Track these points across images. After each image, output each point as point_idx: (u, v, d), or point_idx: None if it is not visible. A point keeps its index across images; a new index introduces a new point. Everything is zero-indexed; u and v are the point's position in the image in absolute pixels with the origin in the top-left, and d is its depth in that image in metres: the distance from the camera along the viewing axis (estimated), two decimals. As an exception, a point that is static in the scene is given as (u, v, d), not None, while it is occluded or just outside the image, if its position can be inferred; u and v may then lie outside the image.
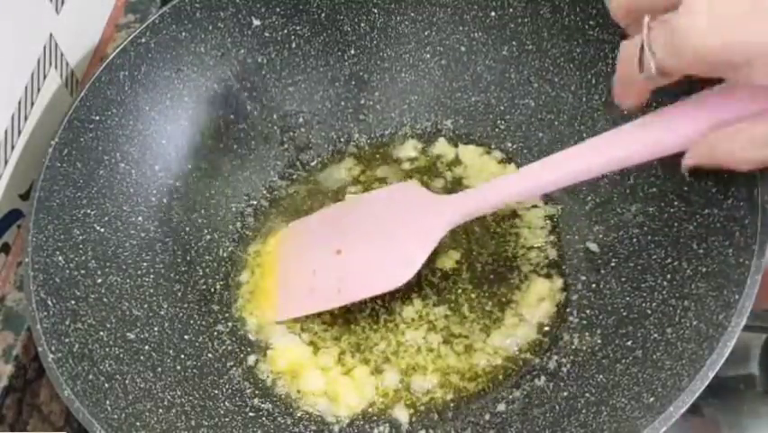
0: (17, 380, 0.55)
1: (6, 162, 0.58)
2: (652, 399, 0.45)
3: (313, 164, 0.71)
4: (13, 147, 0.58)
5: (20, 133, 0.59)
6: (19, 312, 0.57)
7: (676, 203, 0.55)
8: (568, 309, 0.59)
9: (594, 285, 0.58)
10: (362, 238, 0.61)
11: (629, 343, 0.52)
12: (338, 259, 0.61)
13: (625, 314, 0.54)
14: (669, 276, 0.53)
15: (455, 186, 0.66)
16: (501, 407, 0.55)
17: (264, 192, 0.69)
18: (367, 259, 0.60)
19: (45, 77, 0.62)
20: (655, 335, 0.50)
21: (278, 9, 0.67)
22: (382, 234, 0.60)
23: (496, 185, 0.57)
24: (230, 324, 0.62)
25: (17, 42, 0.59)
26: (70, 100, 0.60)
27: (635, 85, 0.45)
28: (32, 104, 0.60)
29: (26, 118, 0.60)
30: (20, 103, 0.59)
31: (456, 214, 0.57)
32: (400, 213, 0.60)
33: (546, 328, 0.58)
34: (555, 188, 0.56)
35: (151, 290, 0.60)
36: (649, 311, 0.53)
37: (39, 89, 0.61)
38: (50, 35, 0.62)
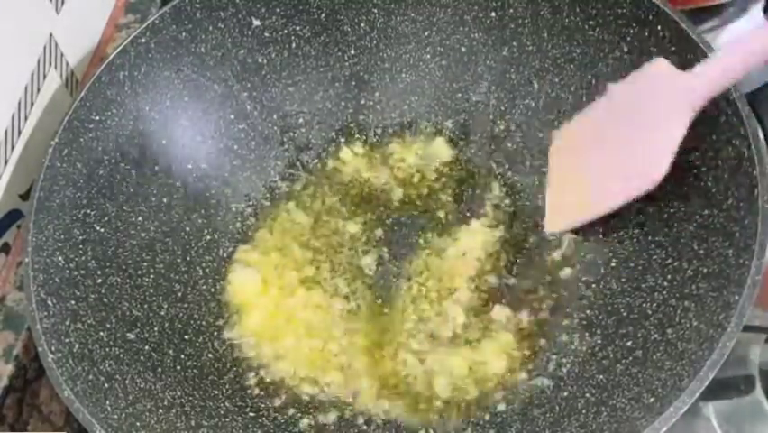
0: (17, 380, 0.55)
1: (6, 162, 0.58)
2: (652, 399, 0.46)
3: (313, 164, 0.70)
4: (13, 147, 0.58)
5: (20, 133, 0.59)
6: (19, 312, 0.57)
7: (676, 203, 0.55)
8: (568, 309, 0.59)
9: (594, 285, 0.58)
10: (614, 143, 0.59)
11: (629, 343, 0.52)
12: (596, 169, 0.60)
13: (625, 314, 0.54)
14: (669, 276, 0.53)
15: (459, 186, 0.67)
16: (501, 407, 0.55)
17: (264, 192, 0.69)
18: (621, 164, 0.58)
19: (45, 77, 0.62)
20: (655, 335, 0.51)
21: (278, 9, 0.67)
22: (630, 135, 0.57)
23: (737, 47, 0.51)
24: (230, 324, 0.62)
25: (17, 42, 0.59)
26: (70, 100, 0.60)
27: None
28: (32, 104, 0.60)
29: (26, 118, 0.60)
30: (20, 103, 0.59)
31: (697, 101, 0.52)
32: (647, 103, 0.56)
33: (546, 328, 0.58)
34: None
35: (151, 291, 0.60)
36: (649, 312, 0.53)
37: (39, 89, 0.61)
38: (50, 35, 0.62)
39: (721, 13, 0.68)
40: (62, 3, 0.63)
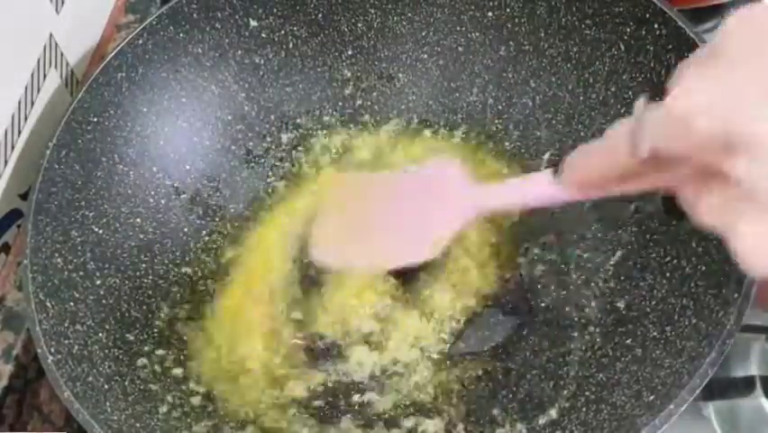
0: (17, 380, 0.55)
1: (6, 162, 0.58)
2: (652, 397, 0.46)
3: (310, 165, 0.70)
4: (13, 147, 0.58)
5: (20, 133, 0.59)
6: (19, 312, 0.57)
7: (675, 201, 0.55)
8: (567, 308, 0.59)
9: (593, 283, 0.58)
10: (398, 211, 0.60)
11: (629, 341, 0.52)
12: (373, 224, 0.61)
13: (624, 312, 0.55)
14: (668, 274, 0.53)
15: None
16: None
17: (262, 193, 0.69)
18: (398, 231, 0.59)
19: (45, 77, 0.62)
20: (654, 333, 0.51)
21: (275, 10, 0.67)
22: (416, 211, 0.59)
23: (521, 184, 0.54)
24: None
25: (17, 42, 0.59)
26: (70, 100, 0.60)
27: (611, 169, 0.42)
28: (32, 104, 0.60)
29: (26, 118, 0.60)
30: (20, 103, 0.59)
31: (480, 207, 0.55)
32: (435, 193, 0.59)
33: (546, 328, 0.58)
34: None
35: (150, 292, 0.60)
36: (648, 310, 0.53)
37: (39, 89, 0.61)
38: (50, 35, 0.62)
39: (721, 14, 0.68)
40: (62, 3, 0.63)
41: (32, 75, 0.60)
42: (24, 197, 0.60)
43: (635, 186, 0.42)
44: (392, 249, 0.59)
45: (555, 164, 0.48)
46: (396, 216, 0.60)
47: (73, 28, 0.65)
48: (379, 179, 0.64)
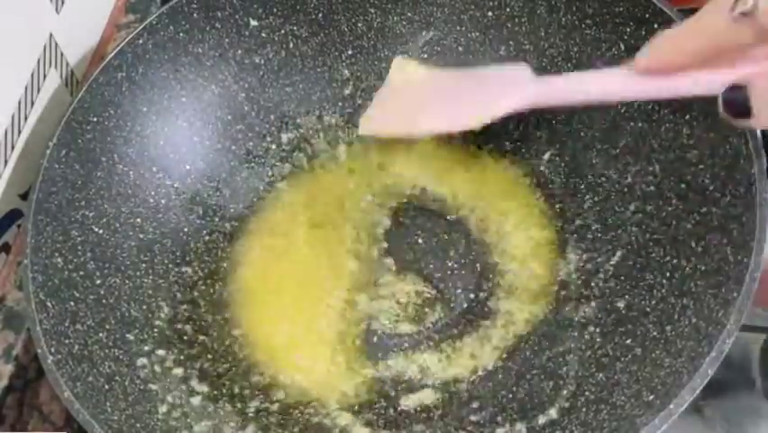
0: (17, 380, 0.55)
1: (6, 162, 0.58)
2: (651, 396, 0.46)
3: (310, 165, 0.70)
4: (13, 147, 0.58)
5: (20, 133, 0.59)
6: (19, 312, 0.57)
7: (674, 201, 0.55)
8: (567, 308, 0.59)
9: (593, 284, 0.58)
10: (457, 87, 0.60)
11: (628, 341, 0.52)
12: (431, 96, 0.60)
13: (624, 312, 0.54)
14: (668, 274, 0.53)
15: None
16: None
17: (262, 193, 0.69)
18: (456, 99, 0.58)
19: (45, 77, 0.62)
20: (654, 333, 0.51)
21: (275, 10, 0.67)
22: (476, 85, 0.58)
23: (588, 75, 0.52)
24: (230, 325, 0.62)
25: (17, 42, 0.59)
26: (70, 100, 0.60)
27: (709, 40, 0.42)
28: (32, 104, 0.60)
29: (26, 118, 0.60)
30: (20, 103, 0.59)
31: (541, 94, 0.53)
32: (497, 78, 0.58)
33: (545, 327, 0.58)
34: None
35: (150, 292, 0.60)
36: (648, 309, 0.53)
37: (39, 89, 0.61)
38: (50, 35, 0.62)
39: None
40: (62, 3, 0.63)
41: (32, 75, 0.60)
42: (24, 197, 0.60)
43: (720, 69, 0.43)
44: (449, 112, 0.58)
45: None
46: (455, 90, 0.59)
47: (73, 28, 0.65)
48: (442, 72, 0.63)
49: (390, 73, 0.63)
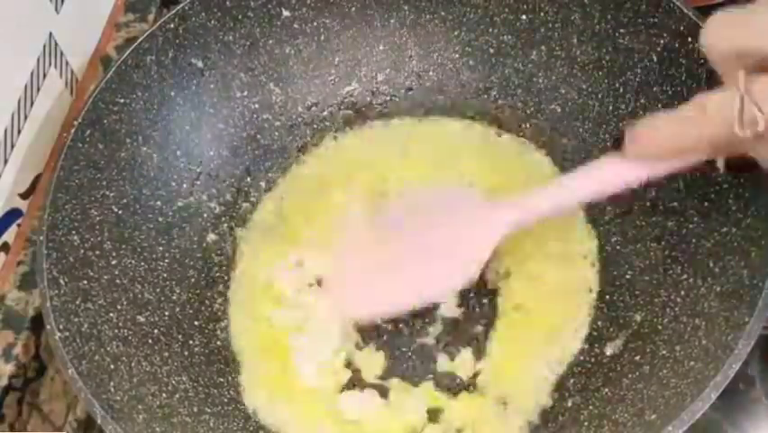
0: (17, 379, 0.56)
1: (6, 162, 0.59)
2: (653, 416, 0.45)
3: (337, 160, 0.70)
4: (13, 146, 0.59)
5: (20, 132, 0.60)
6: (19, 312, 0.57)
7: (696, 219, 0.54)
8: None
9: (607, 297, 0.58)
10: (418, 246, 0.59)
11: (637, 358, 0.52)
12: (393, 264, 0.60)
13: (636, 328, 0.54)
14: (683, 292, 0.52)
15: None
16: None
17: (285, 185, 0.69)
18: (422, 267, 0.58)
19: (45, 76, 0.62)
20: (664, 351, 0.50)
21: (308, 1, 0.67)
22: (438, 242, 0.59)
23: (546, 193, 0.55)
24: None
25: (17, 42, 0.59)
26: (70, 99, 0.61)
27: (718, 142, 0.42)
28: (32, 103, 0.61)
29: (26, 118, 0.60)
30: (20, 102, 0.60)
31: (509, 224, 0.55)
32: (455, 220, 0.59)
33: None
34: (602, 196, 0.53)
35: (165, 275, 0.61)
36: (660, 327, 0.52)
37: (39, 89, 0.62)
38: (50, 35, 0.63)
39: None
40: (62, 2, 0.64)
41: (32, 75, 0.61)
42: (24, 196, 0.61)
43: (709, 155, 0.44)
44: (424, 283, 0.58)
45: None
46: (420, 250, 0.59)
47: (73, 28, 0.66)
48: (390, 215, 0.63)
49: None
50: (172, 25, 0.63)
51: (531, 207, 0.54)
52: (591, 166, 0.51)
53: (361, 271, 0.61)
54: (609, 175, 0.49)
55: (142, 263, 0.60)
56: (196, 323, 0.60)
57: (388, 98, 0.70)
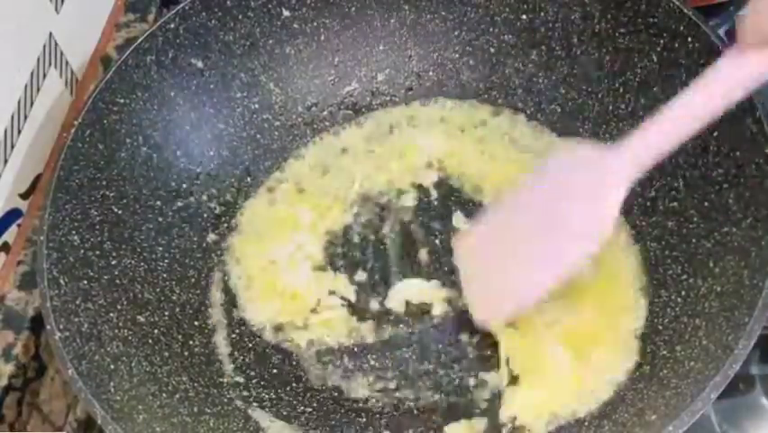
0: (17, 379, 0.55)
1: (6, 162, 0.59)
2: (654, 417, 0.45)
3: (337, 160, 0.70)
4: (13, 146, 0.59)
5: (20, 132, 0.60)
6: (19, 312, 0.57)
7: (696, 219, 0.54)
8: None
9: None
10: (535, 230, 0.55)
11: (637, 358, 0.51)
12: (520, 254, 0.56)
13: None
14: (683, 292, 0.52)
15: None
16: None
17: (284, 183, 0.69)
18: (549, 246, 0.54)
19: (45, 76, 0.62)
20: (664, 351, 0.50)
21: (308, 1, 0.67)
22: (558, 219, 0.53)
23: (661, 124, 0.48)
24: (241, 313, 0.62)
25: (17, 42, 0.59)
26: (70, 99, 0.61)
27: None
28: (32, 103, 0.61)
29: (26, 118, 0.60)
30: (20, 102, 0.59)
31: (633, 167, 0.49)
32: (575, 185, 0.52)
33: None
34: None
35: (165, 275, 0.61)
36: (660, 327, 0.52)
37: (39, 89, 0.62)
38: (50, 35, 0.63)
39: (720, 13, 0.67)
40: (62, 3, 0.64)
41: (32, 75, 0.61)
42: (24, 196, 0.61)
43: None
44: (549, 265, 0.53)
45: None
46: (536, 235, 0.54)
47: (73, 28, 0.66)
48: (497, 214, 0.58)
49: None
50: (172, 25, 0.63)
51: (648, 146, 0.48)
52: (707, 73, 0.46)
53: (492, 273, 0.57)
54: (731, 77, 0.45)
55: (142, 263, 0.60)
56: (196, 323, 0.60)
57: (388, 98, 0.71)
